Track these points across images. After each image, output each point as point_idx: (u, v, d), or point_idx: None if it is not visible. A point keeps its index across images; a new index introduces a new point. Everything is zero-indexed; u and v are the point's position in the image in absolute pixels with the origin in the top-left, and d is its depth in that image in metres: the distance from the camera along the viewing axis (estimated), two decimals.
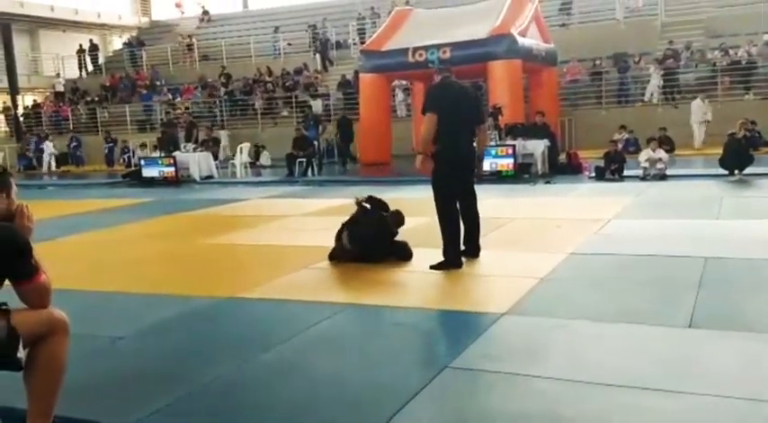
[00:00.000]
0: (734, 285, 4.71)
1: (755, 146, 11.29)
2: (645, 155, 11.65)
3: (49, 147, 22.23)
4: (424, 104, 5.58)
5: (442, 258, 5.49)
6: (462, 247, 5.63)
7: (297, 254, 6.46)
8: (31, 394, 2.66)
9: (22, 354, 2.55)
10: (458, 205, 5.62)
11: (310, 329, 4.10)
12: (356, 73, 19.82)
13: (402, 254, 5.87)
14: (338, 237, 6.05)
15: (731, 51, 18.23)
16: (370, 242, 5.83)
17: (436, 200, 5.58)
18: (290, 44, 25.36)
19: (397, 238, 6.01)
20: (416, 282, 5.29)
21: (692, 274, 4.94)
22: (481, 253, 5.77)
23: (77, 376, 3.03)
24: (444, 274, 5.36)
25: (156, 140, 18.34)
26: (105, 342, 4.05)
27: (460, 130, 5.54)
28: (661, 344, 3.62)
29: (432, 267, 5.47)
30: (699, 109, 16.25)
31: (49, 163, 22.48)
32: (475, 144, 5.75)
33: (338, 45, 25.07)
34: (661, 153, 11.57)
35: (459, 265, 5.45)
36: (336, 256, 5.99)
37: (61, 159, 23.22)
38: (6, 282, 2.58)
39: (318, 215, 9.13)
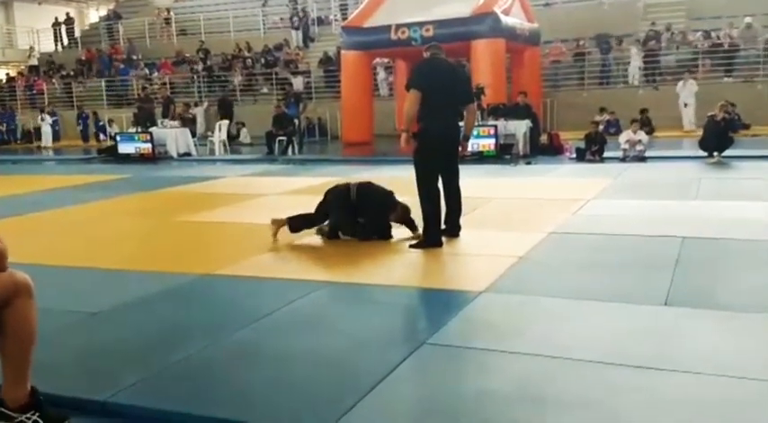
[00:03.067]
0: (710, 264, 4.74)
1: (735, 128, 11.35)
2: (625, 136, 11.68)
3: (48, 119, 21.68)
4: (408, 80, 5.50)
5: (421, 237, 5.45)
6: (443, 227, 5.59)
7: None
8: (4, 361, 2.58)
9: None
10: (440, 184, 5.57)
11: (286, 307, 4.04)
12: (338, 50, 19.60)
13: (382, 233, 5.83)
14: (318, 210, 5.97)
15: (713, 34, 18.28)
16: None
17: (417, 178, 5.52)
18: (282, 19, 24.85)
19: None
20: (396, 261, 5.25)
21: (669, 253, 4.96)
22: (461, 232, 5.74)
23: (49, 351, 2.96)
24: (424, 252, 5.32)
25: (132, 116, 18.05)
26: (78, 317, 3.97)
27: (445, 109, 5.46)
28: (637, 321, 3.62)
29: (411, 247, 5.43)
30: (690, 89, 16.13)
31: (50, 136, 21.63)
32: (462, 123, 5.70)
33: (320, 21, 24.74)
34: (641, 135, 11.61)
35: (440, 245, 5.41)
36: (300, 227, 5.92)
37: (37, 135, 22.79)
38: None
39: (298, 194, 9.03)
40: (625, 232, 5.75)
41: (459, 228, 5.74)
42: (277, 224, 5.98)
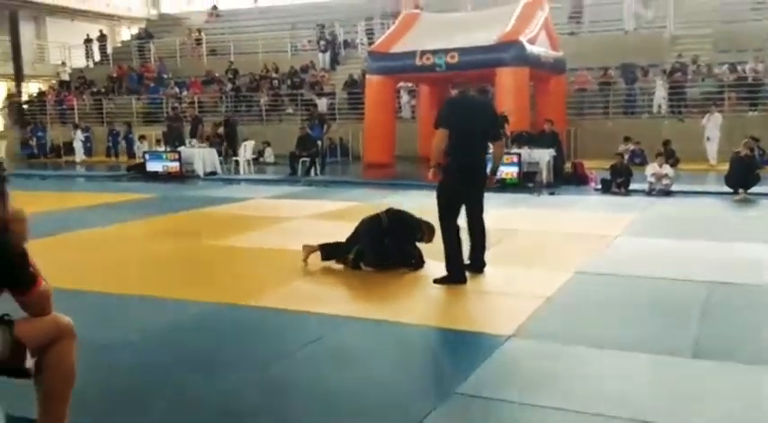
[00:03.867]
0: (738, 313, 4.71)
1: (758, 165, 11.26)
2: (651, 169, 11.63)
3: (80, 135, 22.08)
4: (436, 119, 5.62)
5: (445, 272, 5.49)
6: (467, 262, 5.63)
7: (300, 259, 6.45)
8: (43, 401, 2.66)
9: (30, 363, 2.55)
10: (462, 217, 5.63)
11: (313, 344, 4.09)
12: (363, 73, 19.80)
13: (411, 261, 5.94)
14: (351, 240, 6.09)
15: (738, 67, 18.20)
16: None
17: (439, 211, 5.58)
18: (309, 41, 25.15)
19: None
20: (421, 295, 5.28)
21: (697, 298, 4.95)
22: (486, 268, 5.76)
23: (77, 381, 3.02)
24: (448, 289, 5.35)
25: (160, 134, 18.31)
26: (100, 349, 4.03)
27: (472, 144, 5.57)
28: (666, 375, 3.61)
29: (435, 281, 5.47)
30: (715, 122, 15.96)
31: (81, 152, 21.94)
32: (489, 156, 5.78)
33: (346, 44, 25.04)
34: (667, 169, 11.56)
35: (464, 281, 5.44)
36: (330, 256, 6.08)
37: (67, 149, 23.19)
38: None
39: (322, 218, 9.14)
40: (652, 274, 5.73)
41: (483, 264, 5.77)
42: (308, 250, 6.18)
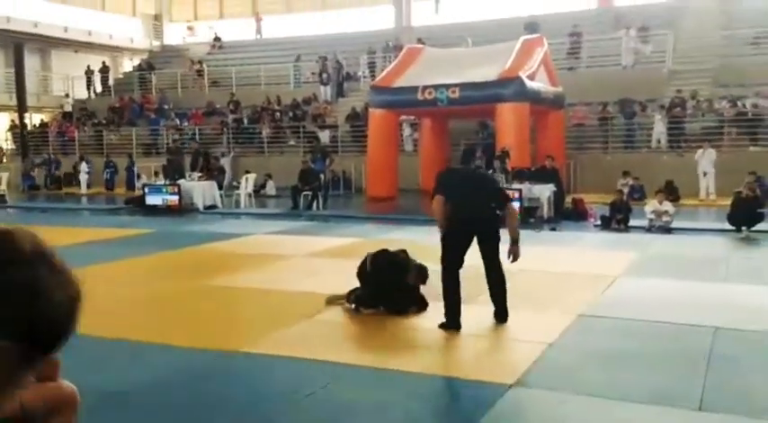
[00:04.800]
0: (745, 361, 4.64)
1: (762, 205, 11.22)
2: (651, 206, 11.62)
3: (84, 167, 22.18)
4: (434, 187, 5.68)
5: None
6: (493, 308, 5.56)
7: (300, 301, 6.40)
8: None
9: None
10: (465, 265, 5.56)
11: (312, 396, 4.01)
12: (366, 106, 19.93)
13: (414, 303, 5.89)
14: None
15: (738, 102, 18.31)
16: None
17: (441, 259, 5.54)
18: (313, 74, 25.35)
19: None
20: (423, 340, 5.22)
21: (702, 345, 4.88)
22: (486, 309, 5.68)
23: None
24: (449, 334, 5.28)
25: (161, 167, 18.33)
26: (91, 398, 3.96)
27: (473, 200, 5.52)
28: None
29: (440, 326, 5.40)
30: (709, 158, 16.07)
31: (86, 184, 22.02)
32: (499, 213, 5.69)
33: (348, 77, 25.24)
34: (667, 205, 11.54)
35: (457, 328, 5.34)
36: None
37: (66, 181, 23.21)
38: None
39: (323, 256, 9.08)
40: (655, 318, 5.67)
41: (506, 312, 5.59)
42: (335, 300, 6.19)
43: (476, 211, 5.52)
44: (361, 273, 6.12)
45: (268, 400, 3.95)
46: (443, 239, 5.54)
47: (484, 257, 5.57)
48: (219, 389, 4.24)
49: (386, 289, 5.91)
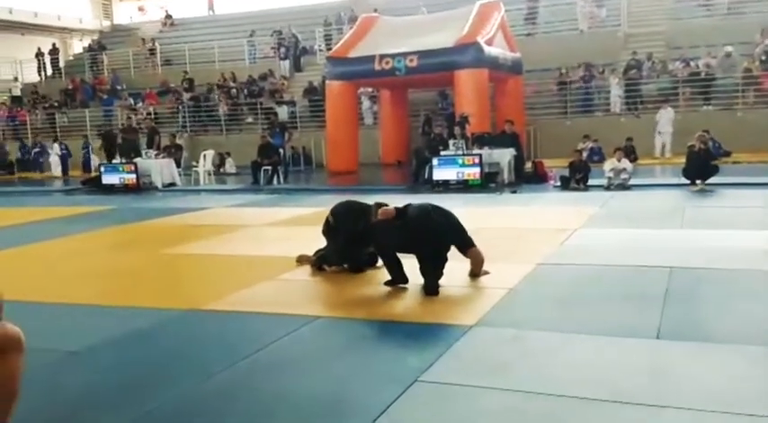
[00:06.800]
0: (699, 295, 4.74)
1: (714, 157, 11.46)
2: (610, 164, 11.77)
3: (55, 148, 21.51)
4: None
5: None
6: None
7: (260, 264, 6.34)
8: None
9: None
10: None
11: (274, 344, 3.97)
12: (323, 79, 19.71)
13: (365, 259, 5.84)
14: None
15: (692, 63, 18.60)
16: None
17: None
18: (272, 48, 24.84)
19: None
20: (387, 293, 5.19)
21: (658, 284, 4.96)
22: (450, 264, 5.60)
23: (22, 393, 2.86)
24: (411, 286, 5.25)
25: (101, 144, 17.98)
26: (54, 357, 3.87)
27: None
28: (630, 356, 3.60)
29: (386, 283, 5.27)
30: (667, 117, 16.44)
31: (59, 167, 21.38)
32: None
33: (304, 51, 24.89)
34: (626, 163, 11.70)
35: (406, 281, 5.19)
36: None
37: (20, 165, 22.57)
38: None
39: (283, 225, 8.99)
40: (613, 263, 5.75)
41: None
42: (304, 260, 6.14)
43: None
44: (326, 230, 6.04)
45: (231, 350, 3.89)
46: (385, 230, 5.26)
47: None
48: (179, 343, 4.17)
49: (353, 239, 5.79)
